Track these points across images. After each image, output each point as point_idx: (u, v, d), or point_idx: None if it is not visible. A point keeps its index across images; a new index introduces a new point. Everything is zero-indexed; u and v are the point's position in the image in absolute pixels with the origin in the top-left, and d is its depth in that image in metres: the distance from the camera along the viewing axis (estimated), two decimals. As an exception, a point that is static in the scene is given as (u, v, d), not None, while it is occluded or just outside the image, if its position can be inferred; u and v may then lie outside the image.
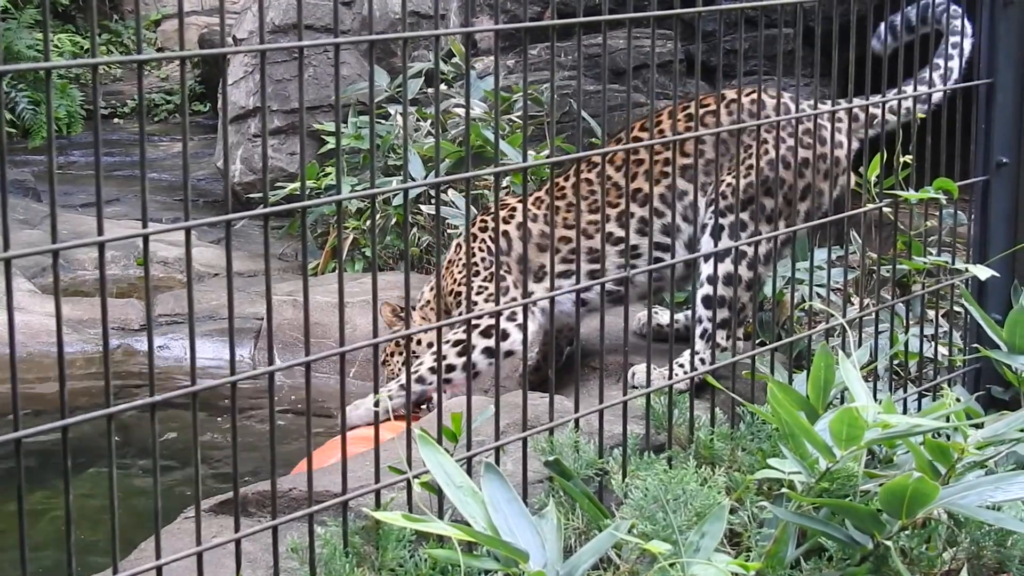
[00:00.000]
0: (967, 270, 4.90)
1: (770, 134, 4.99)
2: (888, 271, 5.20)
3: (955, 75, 5.11)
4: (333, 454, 5.03)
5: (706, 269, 4.96)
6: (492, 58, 9.58)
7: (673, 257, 4.85)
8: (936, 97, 5.04)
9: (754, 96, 4.82)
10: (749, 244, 4.49)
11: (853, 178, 5.12)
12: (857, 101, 4.89)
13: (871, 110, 5.08)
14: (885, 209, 4.89)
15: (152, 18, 15.89)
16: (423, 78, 9.27)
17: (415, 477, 3.45)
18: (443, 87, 8.96)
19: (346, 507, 3.38)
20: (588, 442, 3.95)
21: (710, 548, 3.30)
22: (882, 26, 4.84)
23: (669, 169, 4.86)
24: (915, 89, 4.90)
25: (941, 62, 5.11)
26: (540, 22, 3.91)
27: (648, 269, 4.14)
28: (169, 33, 15.78)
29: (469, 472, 3.45)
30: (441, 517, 3.42)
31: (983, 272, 4.80)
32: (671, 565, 3.25)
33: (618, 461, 3.95)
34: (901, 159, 4.96)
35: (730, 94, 5.08)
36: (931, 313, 5.18)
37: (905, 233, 5.08)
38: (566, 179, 5.34)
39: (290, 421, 6.65)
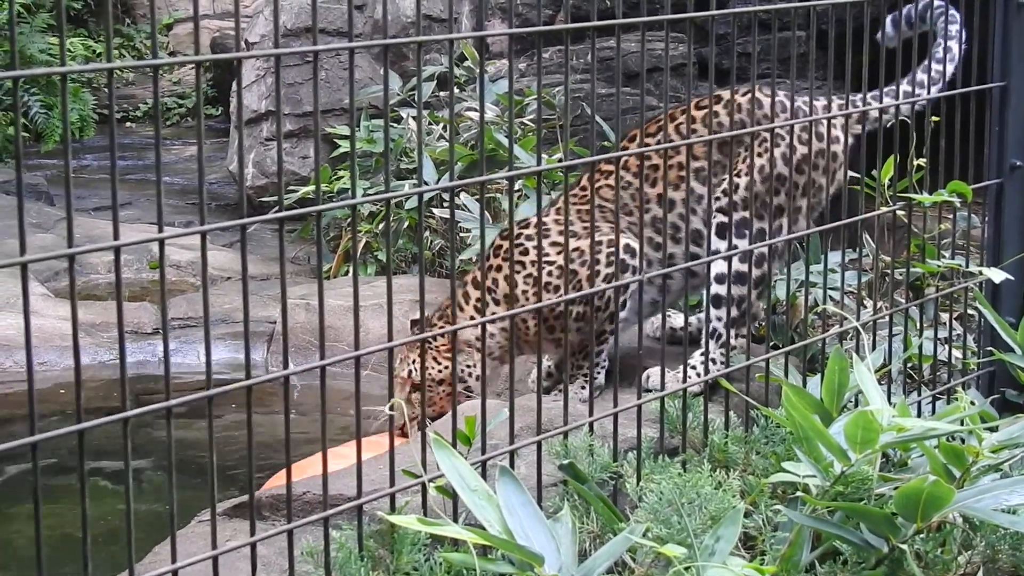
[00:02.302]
0: (981, 273, 4.90)
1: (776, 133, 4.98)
2: (902, 274, 5.20)
3: (943, 80, 5.07)
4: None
5: (715, 268, 4.96)
6: (505, 62, 9.58)
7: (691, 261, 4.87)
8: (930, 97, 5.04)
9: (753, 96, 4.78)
10: (759, 245, 4.49)
11: (866, 180, 5.12)
12: (845, 98, 4.89)
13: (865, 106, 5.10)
14: (898, 212, 4.89)
15: (164, 22, 15.92)
16: (435, 82, 9.27)
17: (430, 481, 3.45)
18: (456, 91, 8.96)
19: (361, 511, 3.38)
20: (602, 445, 3.95)
21: (725, 552, 3.30)
22: (888, 20, 4.86)
23: (684, 174, 4.84)
24: (912, 87, 4.90)
25: (931, 64, 5.08)
26: (553, 26, 3.91)
27: (662, 272, 4.14)
28: (181, 37, 15.80)
29: (484, 476, 3.45)
30: (456, 521, 3.42)
31: (997, 275, 4.80)
32: (686, 569, 3.25)
33: (632, 464, 3.95)
34: (915, 162, 4.95)
35: (726, 94, 5.01)
36: (945, 316, 5.18)
37: (919, 236, 5.07)
38: (583, 190, 5.25)
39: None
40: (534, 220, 5.13)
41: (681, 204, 4.94)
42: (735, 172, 4.91)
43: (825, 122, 4.98)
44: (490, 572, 3.22)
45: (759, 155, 4.66)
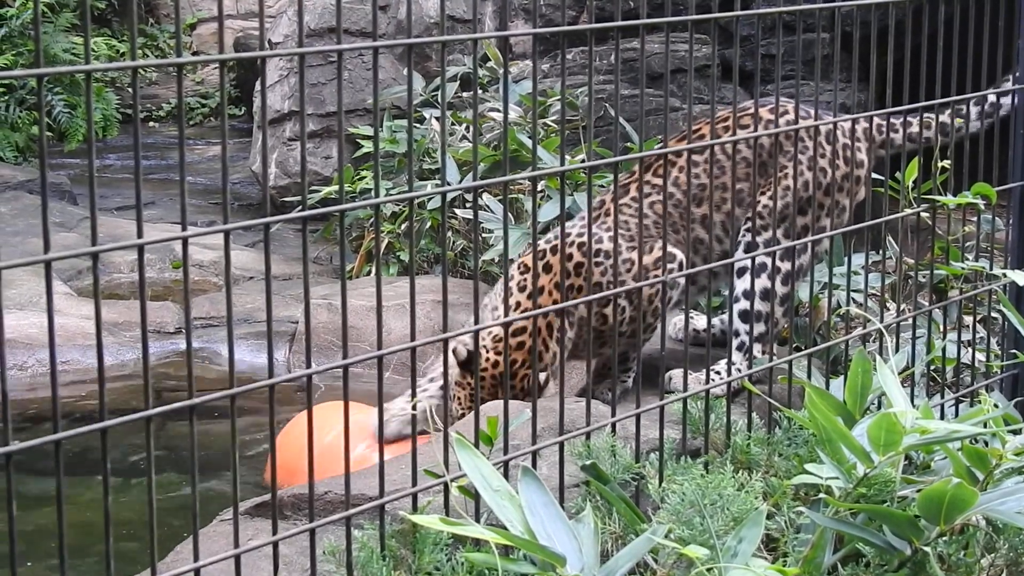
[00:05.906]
0: (1004, 276, 4.88)
1: (804, 154, 4.98)
2: (925, 276, 5.18)
3: (1001, 111, 5.10)
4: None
5: (741, 284, 4.96)
6: (528, 62, 9.58)
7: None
8: (971, 123, 5.05)
9: (784, 114, 4.77)
10: (783, 259, 4.49)
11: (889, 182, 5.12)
12: (878, 119, 4.90)
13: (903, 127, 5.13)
14: (922, 214, 4.87)
15: (188, 22, 15.94)
16: (458, 82, 9.27)
17: (452, 481, 3.45)
18: (479, 91, 8.95)
19: (383, 510, 3.38)
20: (625, 446, 3.95)
21: (747, 553, 3.29)
22: None
23: (728, 195, 4.86)
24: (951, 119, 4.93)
25: (992, 96, 5.08)
26: (577, 26, 3.91)
27: (687, 273, 4.13)
28: (204, 37, 15.82)
29: (506, 476, 3.45)
30: (478, 521, 3.41)
31: (1021, 277, 4.78)
32: (708, 570, 3.24)
33: (655, 466, 3.95)
34: (939, 164, 4.94)
35: (764, 113, 5.00)
36: (968, 318, 5.16)
37: (942, 238, 5.06)
38: (635, 200, 5.20)
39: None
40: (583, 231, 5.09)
41: (720, 226, 4.97)
42: (764, 192, 4.93)
43: (852, 145, 5.02)
44: (512, 572, 3.22)
45: (802, 172, 4.69)
